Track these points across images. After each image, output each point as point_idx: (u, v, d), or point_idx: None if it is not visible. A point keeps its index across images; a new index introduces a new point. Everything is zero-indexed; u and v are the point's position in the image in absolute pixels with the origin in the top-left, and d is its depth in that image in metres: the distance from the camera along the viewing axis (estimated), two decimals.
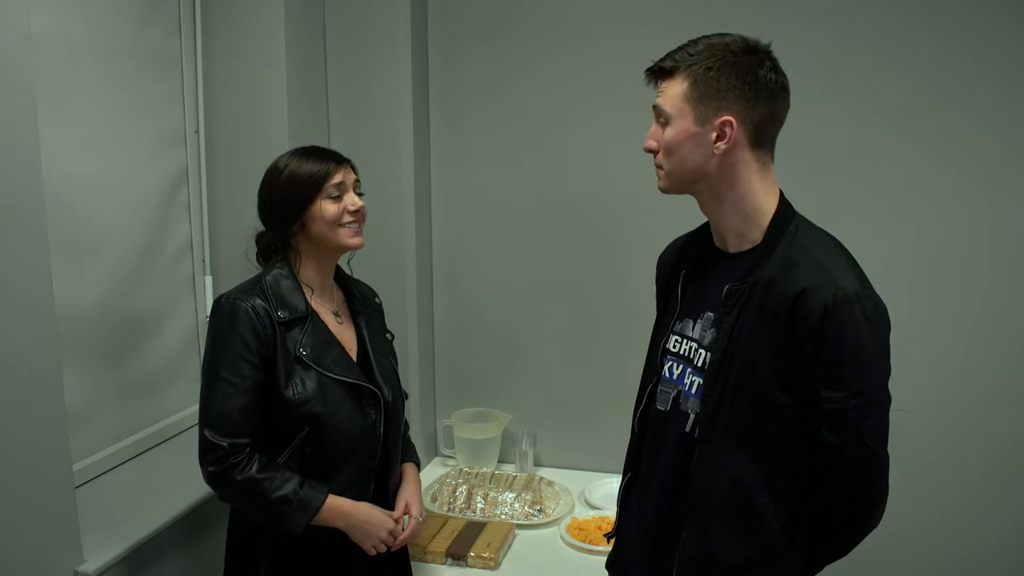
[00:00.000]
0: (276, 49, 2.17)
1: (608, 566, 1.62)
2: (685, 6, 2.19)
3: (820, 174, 2.13)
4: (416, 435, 2.52)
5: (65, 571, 1.59)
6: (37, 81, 1.48)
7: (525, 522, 2.20)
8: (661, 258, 1.58)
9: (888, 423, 1.29)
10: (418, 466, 1.91)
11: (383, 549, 1.70)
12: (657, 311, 1.57)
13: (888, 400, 1.29)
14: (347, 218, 1.67)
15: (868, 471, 1.29)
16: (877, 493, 1.31)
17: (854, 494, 1.30)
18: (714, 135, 1.29)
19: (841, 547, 1.37)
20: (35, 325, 1.51)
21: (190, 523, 1.91)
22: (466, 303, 2.57)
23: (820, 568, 1.41)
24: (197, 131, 2.20)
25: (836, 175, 2.17)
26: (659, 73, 1.33)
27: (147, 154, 2.08)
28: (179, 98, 2.18)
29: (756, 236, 1.34)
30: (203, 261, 2.24)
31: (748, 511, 1.32)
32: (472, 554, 1.99)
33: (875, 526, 1.34)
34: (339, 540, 1.67)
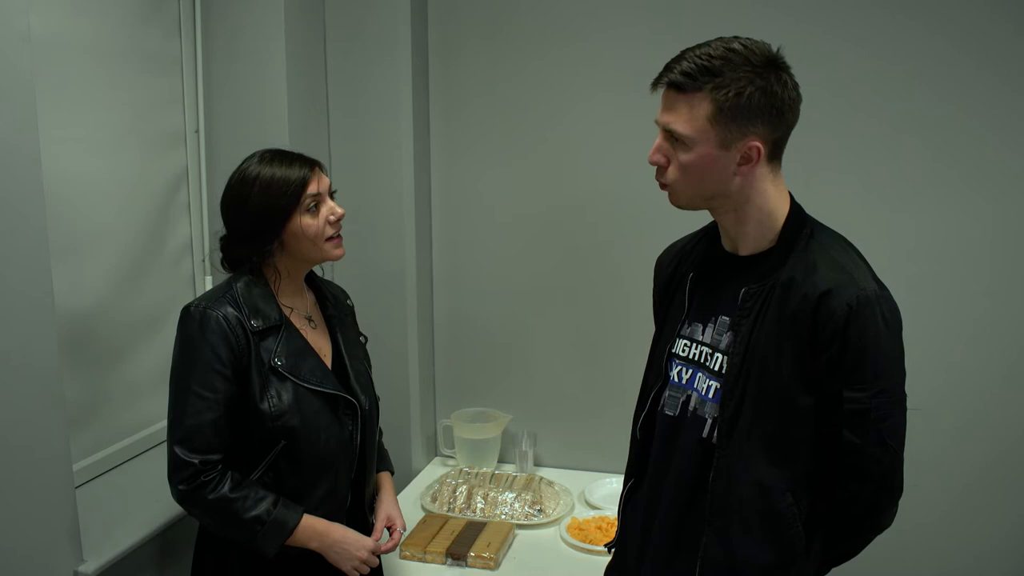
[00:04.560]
0: (276, 49, 2.17)
1: (607, 573, 1.60)
2: (686, 6, 2.19)
3: (820, 173, 2.13)
4: (416, 435, 2.53)
5: (65, 571, 1.59)
6: (37, 81, 1.49)
7: (525, 522, 2.20)
8: (660, 261, 1.56)
9: (906, 423, 1.30)
10: (392, 474, 1.86)
11: (365, 571, 1.64)
12: (657, 315, 1.55)
13: (905, 399, 1.30)
14: (329, 231, 1.59)
15: (887, 470, 1.29)
16: (894, 492, 1.32)
17: (873, 494, 1.31)
18: (738, 157, 1.26)
19: (855, 547, 1.37)
20: (35, 325, 1.51)
21: (191, 524, 1.90)
22: (466, 303, 2.56)
23: (829, 569, 1.41)
24: (197, 131, 2.20)
25: (836, 175, 2.17)
26: (674, 86, 1.25)
27: (147, 154, 2.08)
28: (179, 98, 2.18)
29: (770, 239, 1.33)
30: (203, 261, 2.24)
31: (773, 514, 1.30)
32: (472, 554, 1.99)
33: (889, 525, 1.34)
34: (313, 560, 1.61)
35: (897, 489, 1.32)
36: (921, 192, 2.14)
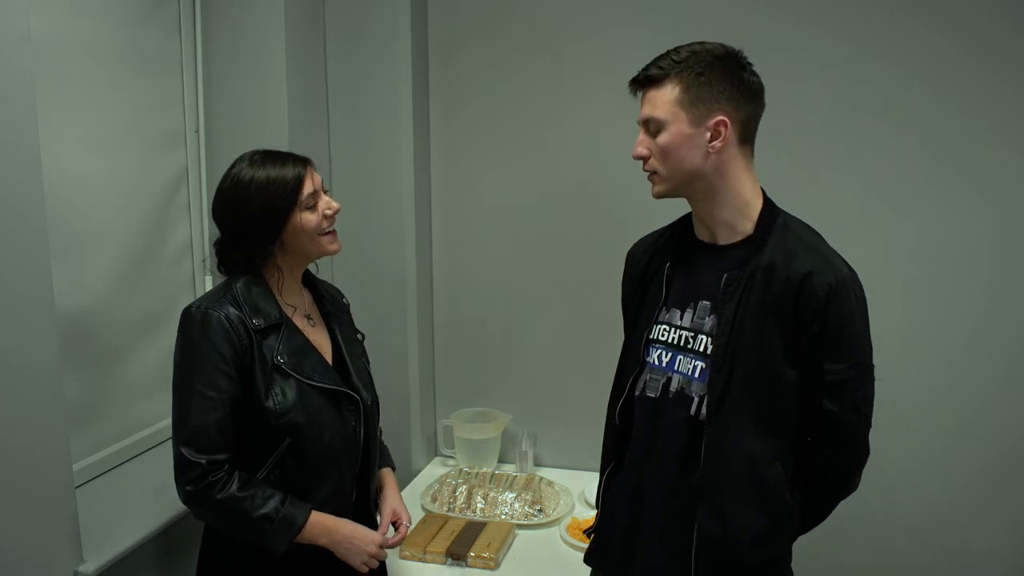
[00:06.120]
0: (276, 49, 2.17)
1: (589, 558, 1.65)
2: (686, 6, 2.19)
3: (820, 173, 2.13)
4: (416, 435, 2.54)
5: (65, 571, 1.59)
6: (37, 81, 1.49)
7: (525, 522, 2.20)
8: (632, 254, 1.63)
9: (874, 392, 1.42)
10: (393, 470, 1.87)
11: (375, 565, 1.64)
12: (629, 305, 1.61)
13: (873, 370, 1.41)
14: (325, 225, 1.60)
15: (861, 438, 1.42)
16: (864, 458, 1.44)
17: (848, 461, 1.43)
18: (708, 135, 1.36)
19: (824, 512, 1.48)
20: (35, 324, 1.51)
21: (191, 523, 1.90)
22: (466, 303, 2.56)
23: (795, 537, 1.50)
24: (197, 131, 2.21)
25: (836, 175, 2.16)
26: (645, 82, 1.39)
27: (147, 154, 2.08)
28: (179, 98, 2.18)
29: (746, 228, 1.42)
30: (203, 261, 2.24)
31: (763, 483, 1.39)
32: (472, 554, 1.99)
33: (855, 489, 1.46)
34: (321, 556, 1.61)
35: (866, 455, 1.44)
36: (921, 192, 2.14)
